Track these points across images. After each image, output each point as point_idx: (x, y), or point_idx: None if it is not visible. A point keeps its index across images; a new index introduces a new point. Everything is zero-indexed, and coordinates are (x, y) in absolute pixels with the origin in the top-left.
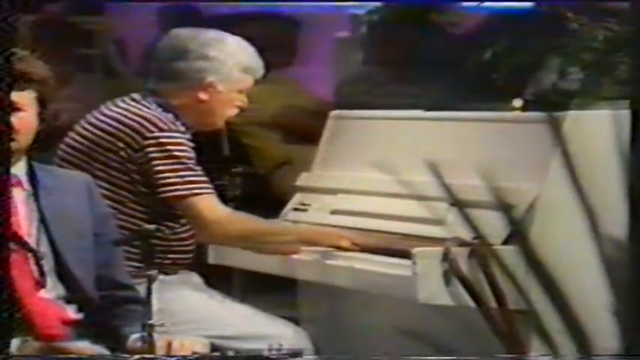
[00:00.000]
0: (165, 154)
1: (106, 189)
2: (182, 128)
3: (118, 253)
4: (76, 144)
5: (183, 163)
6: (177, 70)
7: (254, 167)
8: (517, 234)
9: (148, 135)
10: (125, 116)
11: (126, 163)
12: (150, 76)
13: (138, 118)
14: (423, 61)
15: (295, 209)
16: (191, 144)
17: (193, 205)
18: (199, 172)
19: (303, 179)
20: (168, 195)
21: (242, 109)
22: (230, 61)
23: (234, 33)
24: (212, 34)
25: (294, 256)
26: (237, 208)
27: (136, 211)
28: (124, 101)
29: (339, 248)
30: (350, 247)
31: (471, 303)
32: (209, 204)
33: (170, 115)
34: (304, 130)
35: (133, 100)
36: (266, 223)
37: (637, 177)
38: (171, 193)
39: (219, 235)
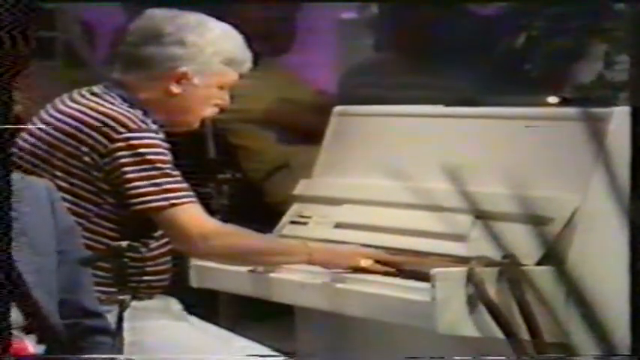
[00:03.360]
0: (137, 158)
1: (68, 201)
2: (154, 127)
3: (85, 274)
4: (29, 147)
5: (158, 169)
6: (146, 56)
7: (244, 172)
8: (553, 253)
9: (116, 137)
10: (86, 114)
11: (90, 170)
12: (116, 64)
13: (102, 117)
14: (443, 46)
15: (293, 222)
16: (166, 145)
17: (172, 217)
18: (178, 179)
19: (302, 187)
20: (142, 207)
21: (222, 109)
22: (209, 49)
23: (220, 15)
24: (193, 16)
25: (293, 279)
26: (224, 220)
27: (102, 227)
28: (82, 96)
29: (359, 270)
30: (373, 268)
31: (500, 334)
32: (191, 215)
33: (138, 112)
34: (303, 129)
35: (94, 94)
36: (265, 239)
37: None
38: (146, 204)
39: (205, 252)
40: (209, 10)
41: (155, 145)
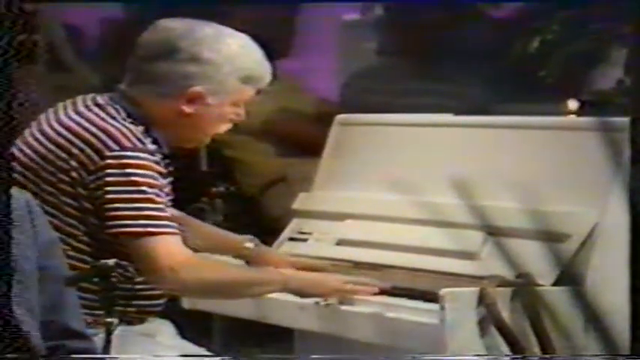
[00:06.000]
0: (123, 178)
1: (55, 217)
2: (152, 147)
3: (69, 292)
4: (23, 158)
5: (142, 192)
6: (158, 73)
7: (240, 186)
8: (571, 272)
9: (107, 153)
10: (83, 127)
11: (76, 186)
12: (126, 75)
13: (97, 131)
14: (453, 50)
15: (292, 239)
16: (159, 168)
17: (146, 246)
18: (161, 206)
19: (301, 201)
20: (117, 230)
21: (236, 124)
22: (227, 67)
23: (215, 18)
24: (209, 29)
25: (292, 300)
26: None
27: (90, 246)
28: (86, 106)
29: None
30: (359, 294)
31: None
32: (166, 247)
33: (140, 128)
34: (302, 140)
35: (97, 104)
36: (239, 271)
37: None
38: (121, 228)
39: (174, 285)
40: (205, 11)
41: (146, 166)
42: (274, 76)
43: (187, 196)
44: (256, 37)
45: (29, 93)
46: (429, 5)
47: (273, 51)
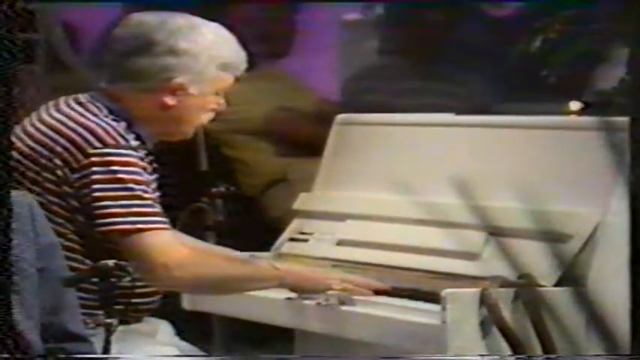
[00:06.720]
0: (109, 176)
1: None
2: (134, 143)
3: (68, 294)
4: None
5: (129, 189)
6: (137, 68)
7: (240, 186)
8: (572, 273)
9: (91, 151)
10: (65, 125)
11: (61, 185)
12: (103, 73)
13: (80, 129)
14: (454, 50)
15: (292, 239)
16: (144, 163)
17: (137, 243)
18: (149, 202)
19: (302, 201)
20: (107, 228)
21: (218, 114)
22: (204, 57)
23: (214, 17)
24: (182, 20)
25: (292, 300)
26: (218, 237)
27: (81, 245)
28: (68, 105)
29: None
30: (355, 291)
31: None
32: (158, 243)
33: (122, 125)
34: (303, 139)
35: (79, 103)
36: (234, 266)
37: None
38: (110, 226)
39: (168, 283)
40: (204, 11)
41: (130, 163)
42: (275, 73)
43: (187, 196)
44: (257, 37)
45: (28, 92)
46: (429, 5)
47: (274, 49)
